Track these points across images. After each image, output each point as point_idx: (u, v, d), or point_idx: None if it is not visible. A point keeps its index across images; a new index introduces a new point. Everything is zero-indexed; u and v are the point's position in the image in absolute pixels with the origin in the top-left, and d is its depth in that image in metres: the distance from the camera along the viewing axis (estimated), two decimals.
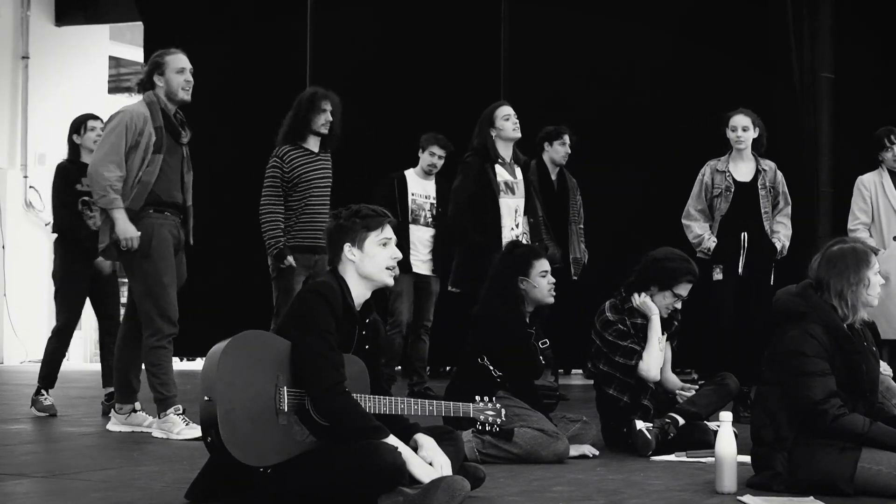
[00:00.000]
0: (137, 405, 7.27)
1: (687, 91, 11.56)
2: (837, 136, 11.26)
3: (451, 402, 5.11)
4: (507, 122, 8.16)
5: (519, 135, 8.18)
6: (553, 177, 9.59)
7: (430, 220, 9.36)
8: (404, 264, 9.20)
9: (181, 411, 6.96)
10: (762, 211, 8.35)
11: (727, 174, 8.31)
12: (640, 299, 6.62)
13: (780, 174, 8.47)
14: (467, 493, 4.51)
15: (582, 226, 9.69)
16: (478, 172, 8.09)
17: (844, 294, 5.09)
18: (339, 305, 4.63)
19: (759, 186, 8.34)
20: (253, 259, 8.26)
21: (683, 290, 6.65)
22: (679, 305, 6.71)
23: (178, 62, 7.08)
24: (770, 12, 11.26)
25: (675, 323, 6.86)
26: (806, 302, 5.09)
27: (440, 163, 9.48)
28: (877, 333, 7.67)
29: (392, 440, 4.49)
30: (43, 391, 8.12)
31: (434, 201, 9.43)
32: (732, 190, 8.29)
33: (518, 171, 8.30)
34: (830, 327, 5.03)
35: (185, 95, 7.10)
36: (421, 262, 9.34)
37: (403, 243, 9.16)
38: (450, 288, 8.70)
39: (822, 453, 4.94)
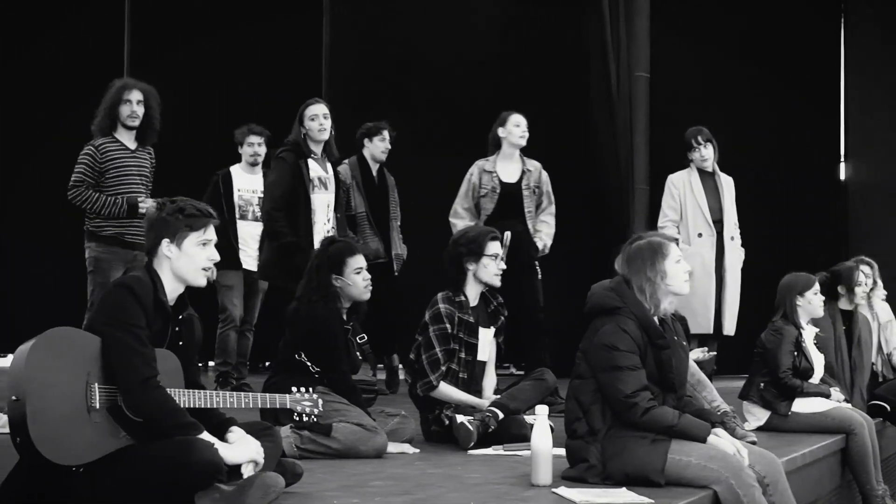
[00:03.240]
0: None
1: (506, 88, 11.70)
2: (653, 134, 11.52)
3: (268, 394, 5.08)
4: (312, 122, 8.06)
5: (324, 137, 8.08)
6: (374, 172, 9.60)
7: (258, 214, 9.26)
8: (234, 260, 9.11)
9: None
10: (525, 210, 8.60)
11: (494, 175, 8.60)
12: None
13: (544, 174, 8.78)
14: (281, 490, 4.47)
15: (399, 223, 9.71)
16: (292, 168, 8.03)
17: (644, 289, 5.20)
18: (149, 300, 4.53)
19: (524, 187, 8.65)
20: (70, 252, 8.08)
21: (493, 248, 6.75)
22: (503, 266, 6.79)
23: None
24: (588, 12, 11.45)
25: (502, 318, 6.93)
26: (619, 297, 5.18)
27: (262, 150, 9.41)
28: (687, 328, 7.89)
29: (206, 436, 4.43)
30: None
31: (262, 195, 9.32)
32: (498, 191, 8.59)
33: (329, 166, 8.26)
34: (642, 322, 5.13)
35: None
36: (251, 259, 9.23)
37: (232, 240, 9.07)
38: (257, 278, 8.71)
39: (633, 445, 5.04)
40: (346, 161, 9.48)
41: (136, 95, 7.90)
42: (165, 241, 4.64)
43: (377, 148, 9.56)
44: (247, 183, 9.35)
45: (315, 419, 5.18)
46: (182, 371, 4.67)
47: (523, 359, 8.14)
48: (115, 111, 7.88)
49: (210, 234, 4.70)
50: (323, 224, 8.06)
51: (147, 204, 7.67)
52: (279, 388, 5.39)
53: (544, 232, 8.72)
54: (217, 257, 4.73)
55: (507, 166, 8.68)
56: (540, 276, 8.63)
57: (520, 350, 8.47)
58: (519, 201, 8.67)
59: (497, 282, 6.81)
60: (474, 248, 6.74)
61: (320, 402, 5.14)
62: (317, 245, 7.81)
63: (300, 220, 7.96)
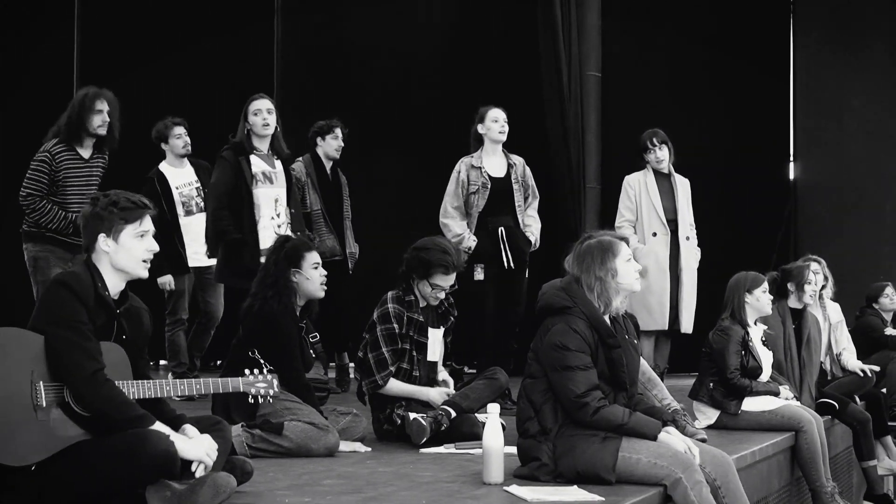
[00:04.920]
0: None
1: (458, 87, 11.72)
2: (604, 133, 11.55)
3: (220, 379, 5.03)
4: (256, 117, 7.97)
5: (268, 132, 7.98)
6: (328, 170, 9.58)
7: (202, 206, 9.19)
8: (182, 266, 9.03)
9: None
10: (516, 205, 8.54)
11: (483, 170, 8.46)
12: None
13: (528, 168, 8.68)
14: (233, 490, 4.46)
15: (350, 221, 9.67)
16: (232, 165, 7.98)
17: (594, 288, 5.21)
18: (88, 294, 4.47)
19: (513, 181, 8.53)
20: (13, 252, 8.02)
21: (440, 280, 6.66)
22: (441, 295, 6.73)
23: None
24: (539, 11, 11.47)
25: (452, 319, 6.92)
26: (570, 296, 5.19)
27: (188, 139, 9.33)
28: (638, 326, 7.92)
29: (160, 426, 4.40)
30: None
31: (198, 184, 9.26)
32: (489, 186, 8.44)
33: (278, 162, 8.17)
34: (593, 321, 5.14)
35: None
36: (200, 255, 9.14)
37: (178, 243, 8.98)
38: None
39: (584, 443, 5.06)
40: (300, 159, 9.44)
41: (105, 105, 7.88)
42: (102, 237, 4.59)
43: (330, 146, 9.54)
44: (182, 177, 9.25)
45: (271, 399, 5.14)
46: (129, 363, 4.63)
47: (484, 355, 8.11)
48: (86, 119, 7.83)
49: (146, 224, 4.65)
50: (271, 218, 7.96)
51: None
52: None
53: (533, 227, 8.62)
54: (156, 247, 4.68)
55: (493, 161, 8.53)
56: (527, 275, 8.60)
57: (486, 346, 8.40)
58: (509, 196, 8.52)
59: (432, 302, 6.77)
60: (421, 271, 6.67)
61: (275, 381, 5.09)
62: (263, 240, 7.78)
63: (244, 216, 7.91)
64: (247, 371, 5.07)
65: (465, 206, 8.46)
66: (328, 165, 9.58)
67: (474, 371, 8.77)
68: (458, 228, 8.35)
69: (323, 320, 6.99)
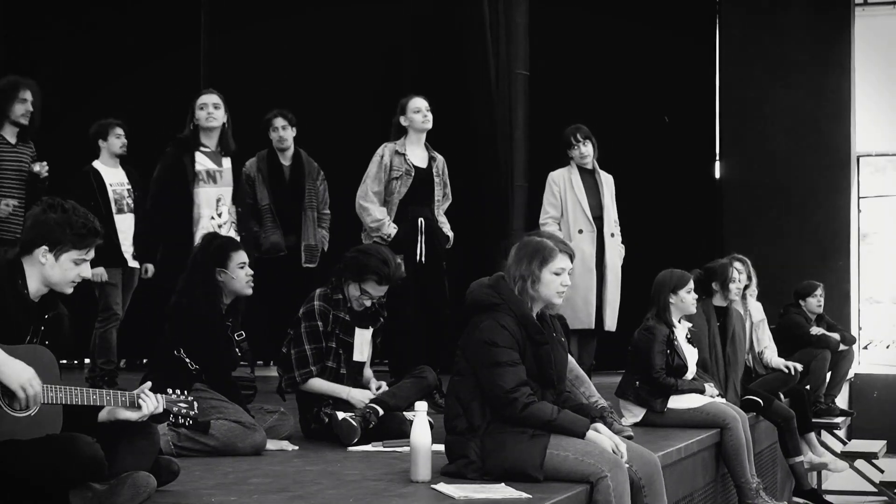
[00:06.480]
0: None
1: (387, 85, 11.71)
2: (532, 131, 11.58)
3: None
4: (201, 111, 7.90)
5: (212, 125, 7.87)
6: (286, 162, 9.40)
7: (132, 206, 9.13)
8: (117, 257, 8.95)
9: None
10: (435, 199, 8.48)
11: (406, 157, 8.34)
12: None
13: (447, 168, 8.59)
14: (153, 490, 4.44)
15: (327, 210, 9.50)
16: (173, 163, 7.90)
17: (516, 284, 5.21)
18: (7, 291, 4.42)
19: (435, 174, 8.46)
20: None
21: (371, 287, 6.61)
22: (367, 303, 6.67)
23: None
24: (467, 9, 11.48)
25: (381, 319, 6.89)
26: (498, 293, 5.20)
27: (126, 140, 9.27)
28: (567, 325, 7.94)
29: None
30: None
31: (129, 187, 9.20)
32: (412, 174, 8.34)
33: (227, 160, 8.06)
34: (521, 318, 5.14)
35: None
36: (127, 254, 9.07)
37: (112, 235, 8.91)
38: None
39: (512, 441, 5.06)
40: (257, 154, 9.32)
41: (29, 94, 7.82)
42: (44, 249, 4.50)
43: (272, 140, 9.39)
44: (115, 177, 9.20)
45: (191, 422, 5.10)
46: (56, 365, 4.56)
47: (405, 352, 8.04)
48: (8, 107, 7.76)
49: (91, 253, 4.59)
50: (210, 218, 7.87)
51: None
52: (156, 385, 5.30)
53: (447, 225, 8.57)
54: (89, 275, 4.65)
55: (416, 151, 8.38)
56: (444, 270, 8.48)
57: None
58: (430, 188, 8.40)
59: (356, 307, 6.72)
60: (356, 274, 6.61)
61: (196, 404, 5.05)
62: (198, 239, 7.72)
63: (181, 214, 7.83)
64: (169, 390, 5.01)
65: (384, 192, 8.31)
66: (286, 157, 9.39)
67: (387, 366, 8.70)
68: (378, 213, 8.20)
69: (273, 321, 6.94)
